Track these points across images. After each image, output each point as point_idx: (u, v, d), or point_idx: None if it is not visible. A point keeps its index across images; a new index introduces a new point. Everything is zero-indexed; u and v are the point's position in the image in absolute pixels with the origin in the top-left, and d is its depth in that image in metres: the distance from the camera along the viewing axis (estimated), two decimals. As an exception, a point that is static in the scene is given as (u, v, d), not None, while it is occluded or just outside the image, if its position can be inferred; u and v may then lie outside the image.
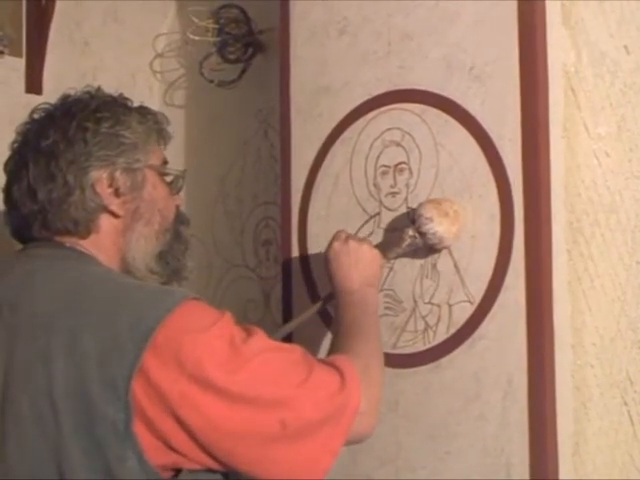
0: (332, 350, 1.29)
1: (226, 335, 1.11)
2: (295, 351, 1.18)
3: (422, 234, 1.46)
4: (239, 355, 1.11)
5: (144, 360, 1.07)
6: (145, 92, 2.09)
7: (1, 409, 1.13)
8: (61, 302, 1.14)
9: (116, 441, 1.07)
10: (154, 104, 2.02)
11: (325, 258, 1.44)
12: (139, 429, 1.07)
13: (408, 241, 1.47)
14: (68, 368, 1.09)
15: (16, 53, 1.93)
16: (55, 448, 1.09)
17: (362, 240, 1.45)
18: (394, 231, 1.54)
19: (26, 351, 1.13)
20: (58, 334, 1.11)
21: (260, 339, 1.15)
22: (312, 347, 1.56)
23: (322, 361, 1.20)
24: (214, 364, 1.09)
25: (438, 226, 1.46)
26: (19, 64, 1.93)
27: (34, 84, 1.93)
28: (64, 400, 1.09)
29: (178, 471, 1.12)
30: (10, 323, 1.15)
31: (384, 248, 1.48)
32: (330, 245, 1.44)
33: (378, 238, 1.56)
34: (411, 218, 1.49)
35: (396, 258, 1.51)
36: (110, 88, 1.32)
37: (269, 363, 1.13)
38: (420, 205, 1.48)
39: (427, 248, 1.49)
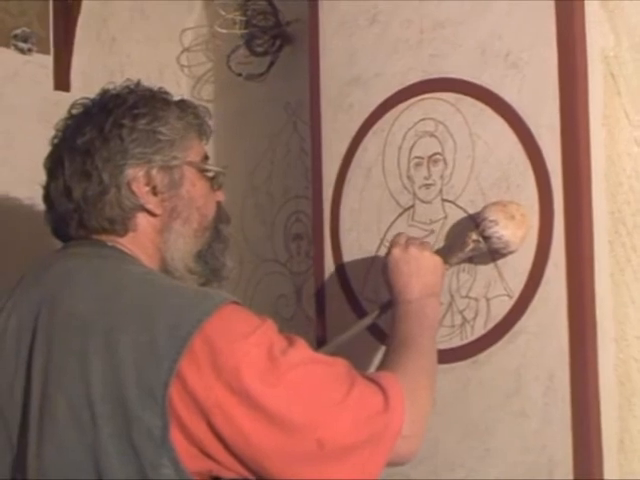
0: (382, 363, 1.25)
1: (265, 344, 1.08)
2: (337, 364, 1.13)
3: (486, 238, 1.39)
4: (278, 366, 1.07)
5: (181, 366, 1.05)
6: (173, 87, 2.04)
7: (40, 408, 1.11)
8: (99, 303, 1.12)
9: (151, 448, 1.05)
10: (182, 99, 2.01)
11: (384, 265, 1.38)
12: (175, 436, 1.05)
13: (471, 246, 1.40)
14: (105, 371, 1.07)
15: (44, 50, 1.94)
16: (93, 450, 1.08)
17: (423, 246, 1.38)
18: (456, 235, 1.47)
19: (63, 351, 1.11)
20: (95, 336, 1.09)
21: (301, 349, 1.10)
22: (362, 362, 1.49)
23: (366, 377, 1.15)
24: (252, 374, 1.05)
25: (504, 230, 1.38)
26: (47, 61, 1.93)
27: (62, 81, 1.94)
28: (101, 403, 1.07)
29: (215, 478, 1.10)
30: (48, 322, 1.14)
31: (446, 254, 1.41)
32: (389, 252, 1.37)
33: (414, 231, 1.53)
34: (475, 221, 1.42)
35: (459, 264, 1.44)
36: (138, 84, 1.31)
37: (309, 376, 1.09)
38: (484, 208, 1.41)
39: (491, 253, 1.42)
